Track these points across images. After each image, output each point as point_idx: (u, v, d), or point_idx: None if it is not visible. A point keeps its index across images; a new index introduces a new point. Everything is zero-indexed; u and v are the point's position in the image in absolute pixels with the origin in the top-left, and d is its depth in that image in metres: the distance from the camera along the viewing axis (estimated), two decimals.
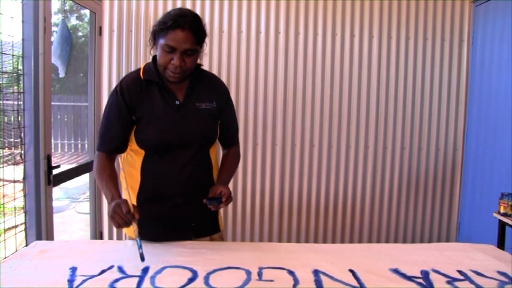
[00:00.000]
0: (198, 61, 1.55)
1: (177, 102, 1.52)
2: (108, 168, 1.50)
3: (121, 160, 1.58)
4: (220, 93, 1.62)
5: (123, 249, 1.48)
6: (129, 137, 1.53)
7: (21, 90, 2.12)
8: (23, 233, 2.17)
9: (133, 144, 1.54)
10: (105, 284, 1.18)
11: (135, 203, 1.50)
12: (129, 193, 1.42)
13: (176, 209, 1.55)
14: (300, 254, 1.46)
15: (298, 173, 3.21)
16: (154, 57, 1.54)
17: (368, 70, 3.17)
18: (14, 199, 2.16)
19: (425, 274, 1.31)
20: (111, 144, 1.53)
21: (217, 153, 1.71)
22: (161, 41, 1.42)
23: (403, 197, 3.27)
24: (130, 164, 1.57)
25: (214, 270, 1.28)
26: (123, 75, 3.05)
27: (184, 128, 1.51)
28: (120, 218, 1.31)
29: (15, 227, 2.12)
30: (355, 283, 1.22)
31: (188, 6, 3.07)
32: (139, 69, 1.56)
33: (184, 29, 1.39)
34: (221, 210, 1.71)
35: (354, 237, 3.29)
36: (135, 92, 1.51)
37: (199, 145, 1.55)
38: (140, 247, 1.32)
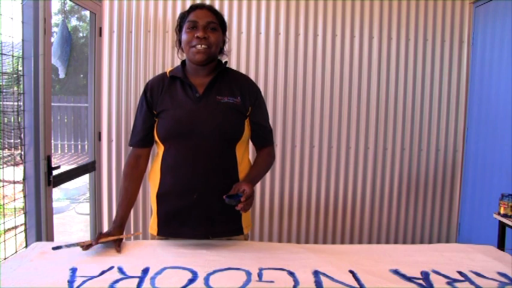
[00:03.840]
0: (224, 59, 1.63)
1: (197, 95, 1.54)
2: (128, 179, 1.61)
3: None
4: (247, 90, 1.60)
5: (123, 250, 1.48)
6: (151, 131, 1.59)
7: (21, 91, 2.12)
8: (23, 234, 2.17)
9: (157, 140, 1.58)
10: (105, 284, 1.18)
11: (155, 200, 1.59)
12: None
13: (193, 206, 1.52)
14: (300, 254, 1.46)
15: (298, 174, 3.21)
16: (183, 62, 1.62)
17: (368, 71, 3.17)
18: (14, 200, 2.16)
19: (425, 275, 1.31)
20: (135, 138, 1.62)
21: (249, 156, 1.69)
22: (184, 27, 1.53)
23: (403, 197, 3.27)
24: (154, 161, 1.62)
25: (215, 271, 1.28)
26: (124, 76, 3.10)
27: (201, 118, 1.50)
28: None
29: (15, 227, 2.12)
30: (355, 284, 1.22)
31: (188, 7, 3.07)
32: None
33: (203, 8, 1.53)
34: (250, 212, 1.65)
35: (354, 238, 3.29)
36: (157, 88, 1.58)
37: (219, 139, 1.52)
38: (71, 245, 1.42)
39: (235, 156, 1.56)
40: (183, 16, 1.56)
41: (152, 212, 1.63)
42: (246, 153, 1.63)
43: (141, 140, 1.61)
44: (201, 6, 1.54)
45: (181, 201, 1.53)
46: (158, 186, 1.57)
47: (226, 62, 1.64)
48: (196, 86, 1.55)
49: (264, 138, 1.68)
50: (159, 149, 1.60)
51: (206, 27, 1.50)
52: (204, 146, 1.51)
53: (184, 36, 1.52)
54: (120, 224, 1.53)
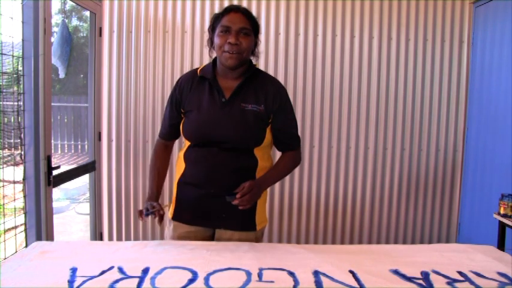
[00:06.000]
0: (254, 61, 1.64)
1: (223, 100, 1.56)
2: (159, 160, 1.74)
3: None
4: (272, 97, 1.59)
5: (123, 250, 1.48)
6: (177, 126, 1.67)
7: (21, 91, 2.12)
8: (23, 234, 2.17)
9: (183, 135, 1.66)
10: (105, 284, 1.18)
11: (175, 186, 1.68)
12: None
13: (209, 198, 1.60)
14: (300, 254, 1.46)
15: (299, 174, 3.21)
16: (215, 59, 1.63)
17: (368, 71, 3.17)
18: (14, 200, 2.16)
19: (425, 275, 1.31)
20: (163, 131, 1.74)
21: (271, 156, 1.72)
22: (217, 29, 1.54)
23: (403, 197, 3.27)
24: (182, 149, 1.69)
25: (215, 271, 1.28)
26: (124, 76, 3.10)
27: (224, 125, 1.55)
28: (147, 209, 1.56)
29: (15, 227, 2.12)
30: (355, 284, 1.22)
31: (188, 7, 3.07)
32: (199, 67, 1.67)
33: (237, 11, 1.52)
34: (265, 209, 1.73)
35: (354, 238, 3.29)
36: (186, 86, 1.62)
37: (239, 145, 1.57)
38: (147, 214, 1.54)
39: (254, 158, 1.61)
40: (217, 17, 1.56)
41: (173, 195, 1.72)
42: (266, 154, 1.66)
43: (168, 134, 1.74)
44: (236, 9, 1.53)
45: (199, 193, 1.61)
46: (181, 174, 1.66)
47: (255, 65, 1.64)
48: (223, 90, 1.57)
49: (285, 143, 1.68)
50: (186, 142, 1.67)
51: (239, 33, 1.50)
52: (224, 149, 1.56)
53: (216, 40, 1.53)
54: (156, 200, 1.64)
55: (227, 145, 1.56)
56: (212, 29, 1.58)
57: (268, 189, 3.16)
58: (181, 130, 1.64)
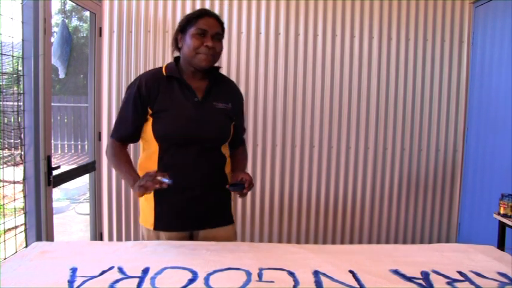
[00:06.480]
0: (217, 64, 1.69)
1: (196, 99, 1.60)
2: (123, 154, 1.63)
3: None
4: (236, 97, 1.74)
5: (124, 250, 1.48)
6: (141, 128, 1.61)
7: (21, 91, 2.12)
8: (23, 234, 2.17)
9: (149, 138, 1.60)
10: (105, 284, 1.18)
11: (151, 197, 1.63)
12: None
13: (190, 201, 1.62)
14: (300, 255, 1.46)
15: (298, 174, 3.21)
16: (176, 58, 1.66)
17: (368, 71, 3.17)
18: (14, 200, 2.16)
19: (425, 275, 1.31)
20: (123, 133, 1.63)
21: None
22: (191, 30, 1.55)
23: (403, 197, 3.27)
24: (147, 158, 1.63)
25: (215, 271, 1.28)
26: (123, 76, 3.10)
27: (201, 124, 1.58)
28: (148, 181, 1.40)
29: (15, 227, 2.12)
30: (355, 284, 1.22)
31: (188, 7, 3.07)
32: (161, 66, 1.66)
33: (211, 16, 1.58)
34: (237, 202, 1.78)
35: (354, 238, 3.29)
36: (153, 86, 1.59)
37: (213, 142, 1.63)
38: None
39: (223, 154, 1.69)
40: (190, 19, 1.58)
41: (144, 206, 1.69)
42: (226, 150, 1.74)
43: (129, 136, 1.64)
44: (210, 14, 1.59)
45: (182, 197, 1.61)
46: None
47: (219, 68, 1.71)
48: (194, 90, 1.61)
49: (240, 139, 1.82)
50: (149, 146, 1.62)
51: (214, 37, 1.56)
52: (200, 147, 1.59)
53: (190, 41, 1.55)
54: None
55: (204, 143, 1.59)
56: (182, 29, 1.59)
57: (268, 189, 3.21)
58: (151, 131, 1.57)
